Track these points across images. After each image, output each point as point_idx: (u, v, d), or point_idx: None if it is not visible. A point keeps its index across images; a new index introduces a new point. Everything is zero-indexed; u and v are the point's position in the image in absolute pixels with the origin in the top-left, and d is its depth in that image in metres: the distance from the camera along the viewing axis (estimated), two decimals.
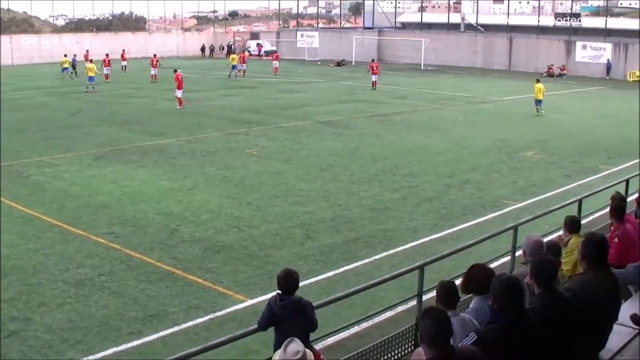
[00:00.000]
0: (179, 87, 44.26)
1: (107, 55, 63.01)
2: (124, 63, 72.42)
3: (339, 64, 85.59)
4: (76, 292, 14.76)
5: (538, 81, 45.06)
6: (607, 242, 8.37)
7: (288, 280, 8.75)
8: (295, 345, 7.00)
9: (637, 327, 8.81)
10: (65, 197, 22.49)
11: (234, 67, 68.95)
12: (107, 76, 60.34)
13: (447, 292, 8.13)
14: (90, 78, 54.04)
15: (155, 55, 66.09)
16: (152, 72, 63.09)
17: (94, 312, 13.81)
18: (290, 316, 8.59)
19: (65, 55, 68.12)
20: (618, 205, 11.90)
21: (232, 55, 73.30)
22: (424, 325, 5.94)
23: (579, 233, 11.20)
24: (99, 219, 20.10)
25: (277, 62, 74.55)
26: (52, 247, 17.62)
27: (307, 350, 7.17)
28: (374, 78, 59.08)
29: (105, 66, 61.42)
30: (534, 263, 7.53)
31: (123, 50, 75.02)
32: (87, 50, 74.99)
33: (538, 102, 43.92)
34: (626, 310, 8.98)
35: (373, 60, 64.13)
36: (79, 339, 12.68)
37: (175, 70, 45.81)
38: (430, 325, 5.89)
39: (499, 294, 6.61)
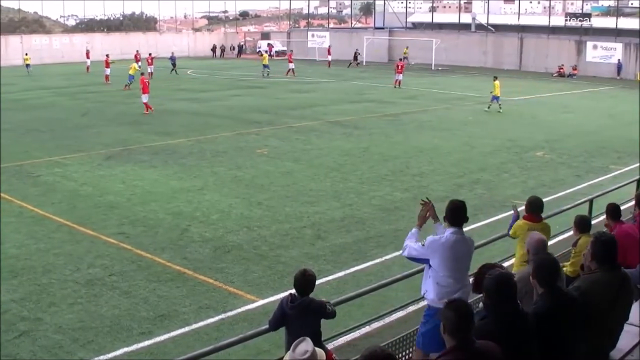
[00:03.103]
0: (144, 92, 42.48)
1: (107, 55, 63.02)
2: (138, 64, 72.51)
3: (351, 64, 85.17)
4: (87, 292, 14.78)
5: (496, 78, 46.11)
6: (617, 241, 8.35)
7: (303, 280, 8.74)
8: (305, 345, 6.97)
9: None
10: (76, 197, 22.52)
11: (264, 66, 69.57)
12: (107, 77, 60.05)
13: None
14: (130, 76, 55.75)
15: (150, 54, 68.53)
16: (149, 70, 64.85)
17: (105, 312, 13.82)
18: (301, 317, 8.57)
19: (27, 54, 72.93)
20: (614, 206, 12.02)
21: (264, 55, 74.09)
22: (447, 315, 6.03)
23: (588, 233, 11.21)
24: (109, 219, 20.13)
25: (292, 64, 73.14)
26: (62, 247, 17.63)
27: (319, 350, 7.13)
28: (399, 77, 59.45)
29: (106, 67, 61.41)
30: (536, 263, 7.57)
31: (137, 52, 74.87)
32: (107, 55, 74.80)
33: (495, 98, 45.20)
34: (636, 310, 8.97)
35: (400, 59, 64.15)
36: (89, 339, 12.68)
37: (142, 74, 44.48)
38: (452, 316, 5.97)
39: (491, 289, 6.83)
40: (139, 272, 16.05)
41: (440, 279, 9.16)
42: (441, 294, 9.11)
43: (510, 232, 11.82)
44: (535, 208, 11.49)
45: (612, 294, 7.77)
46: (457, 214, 9.40)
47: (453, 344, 5.97)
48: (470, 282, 9.14)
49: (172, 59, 71.50)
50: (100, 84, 58.53)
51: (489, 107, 45.48)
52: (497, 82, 45.23)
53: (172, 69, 70.48)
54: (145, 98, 42.39)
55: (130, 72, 56.28)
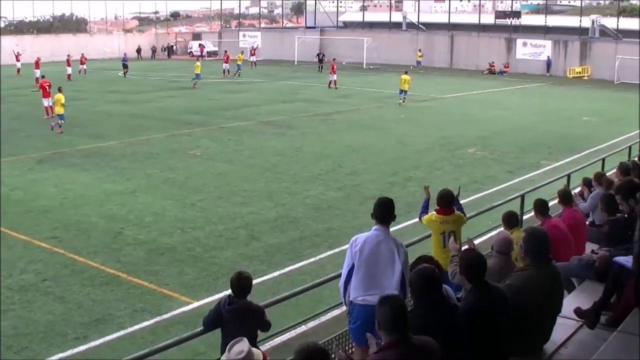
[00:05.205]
0: (45, 96, 41.01)
1: (38, 58, 62.91)
2: (80, 67, 70.69)
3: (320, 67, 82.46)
4: (20, 299, 14.62)
5: (406, 73, 48.12)
6: (549, 236, 8.51)
7: (238, 284, 8.70)
8: (241, 345, 6.99)
9: (581, 320, 8.98)
10: (7, 202, 22.14)
11: (238, 66, 70.79)
12: (37, 80, 59.01)
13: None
14: (197, 75, 59.43)
15: (69, 56, 69.24)
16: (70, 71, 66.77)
17: (39, 318, 13.70)
18: (238, 320, 8.53)
19: None
20: (541, 202, 12.24)
21: (238, 55, 74.79)
22: (382, 312, 6.06)
23: (518, 227, 11.42)
24: (42, 224, 19.90)
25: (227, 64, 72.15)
26: None
27: (255, 350, 7.16)
28: (333, 77, 59.38)
29: (35, 69, 60.63)
30: (462, 260, 7.68)
31: (80, 55, 72.98)
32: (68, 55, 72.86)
33: (402, 92, 47.19)
34: (570, 303, 9.17)
35: (334, 60, 64.03)
36: (24, 346, 12.57)
37: (42, 77, 43.54)
38: (388, 312, 6.02)
39: (416, 283, 6.96)
40: (72, 277, 15.92)
41: (355, 274, 9.21)
42: (354, 292, 9.21)
43: (424, 222, 12.06)
44: (444, 201, 11.67)
45: (545, 289, 7.91)
46: (382, 210, 9.30)
47: (390, 339, 6.01)
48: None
49: (124, 59, 70.22)
50: (31, 86, 57.50)
51: (403, 101, 47.26)
52: (405, 76, 46.77)
53: (124, 71, 69.27)
54: (46, 102, 40.96)
55: (196, 71, 59.36)
